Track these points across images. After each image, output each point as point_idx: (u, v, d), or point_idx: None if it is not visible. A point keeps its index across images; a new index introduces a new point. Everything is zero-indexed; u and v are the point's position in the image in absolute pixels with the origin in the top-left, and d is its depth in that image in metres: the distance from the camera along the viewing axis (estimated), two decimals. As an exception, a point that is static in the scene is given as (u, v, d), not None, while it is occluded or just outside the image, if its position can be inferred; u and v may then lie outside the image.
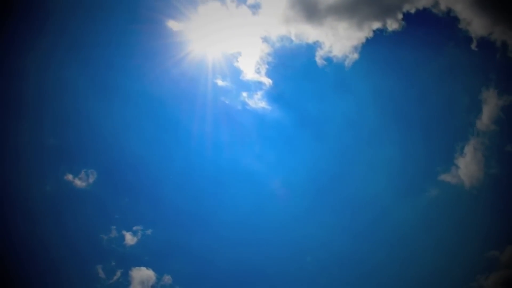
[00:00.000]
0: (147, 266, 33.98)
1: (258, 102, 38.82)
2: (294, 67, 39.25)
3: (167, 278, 33.68)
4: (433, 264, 32.55)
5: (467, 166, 35.59)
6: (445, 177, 35.84)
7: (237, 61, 39.00)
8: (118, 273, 33.94)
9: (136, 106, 39.12)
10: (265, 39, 38.95)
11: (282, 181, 37.86)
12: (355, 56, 37.87)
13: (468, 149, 36.03)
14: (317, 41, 38.39)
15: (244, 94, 39.05)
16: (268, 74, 38.99)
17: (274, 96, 38.91)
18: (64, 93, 38.43)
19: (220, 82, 38.87)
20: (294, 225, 36.11)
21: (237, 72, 39.07)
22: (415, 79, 38.95)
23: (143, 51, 38.51)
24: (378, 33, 37.30)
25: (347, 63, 38.11)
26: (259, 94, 38.87)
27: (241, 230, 36.04)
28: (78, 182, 36.43)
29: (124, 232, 35.22)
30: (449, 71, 38.39)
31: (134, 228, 35.38)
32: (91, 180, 36.73)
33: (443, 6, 36.28)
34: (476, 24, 35.82)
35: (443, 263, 32.10)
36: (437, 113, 38.32)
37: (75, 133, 38.27)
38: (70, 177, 36.35)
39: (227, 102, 39.02)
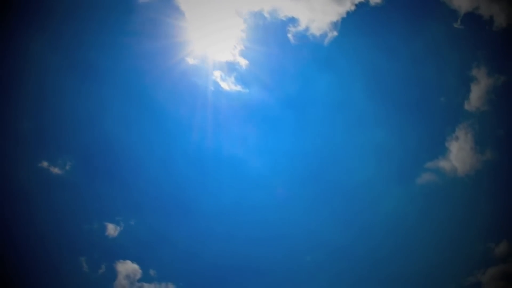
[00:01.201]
0: (132, 259, 32.61)
1: (232, 84, 36.27)
2: (268, 45, 36.29)
3: (153, 272, 32.48)
4: (426, 255, 31.85)
5: (459, 151, 34.26)
6: (436, 164, 34.50)
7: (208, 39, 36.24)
8: (103, 267, 32.62)
9: (113, 89, 36.31)
10: (238, 15, 35.84)
11: (265, 168, 36.11)
12: (335, 33, 35.40)
13: (460, 133, 34.65)
14: (293, 17, 35.69)
15: (217, 73, 36.31)
16: (243, 54, 36.15)
17: (250, 77, 36.17)
18: (38, 74, 35.36)
19: (191, 60, 36.06)
20: (280, 213, 34.68)
21: (208, 51, 36.32)
22: (399, 58, 36.55)
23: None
24: (359, 7, 34.77)
25: (327, 40, 35.66)
26: (234, 75, 36.27)
27: (226, 219, 34.58)
28: (55, 170, 34.30)
29: (105, 223, 33.57)
30: (435, 48, 36.17)
31: (116, 218, 33.70)
32: (68, 167, 34.67)
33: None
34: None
35: (437, 255, 31.44)
36: (424, 93, 36.34)
37: (51, 116, 35.61)
38: (45, 164, 34.21)
39: (198, 82, 36.28)
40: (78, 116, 35.88)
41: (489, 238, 30.55)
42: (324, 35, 35.50)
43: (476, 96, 34.40)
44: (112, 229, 33.41)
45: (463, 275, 29.80)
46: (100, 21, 35.25)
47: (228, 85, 36.13)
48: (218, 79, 36.08)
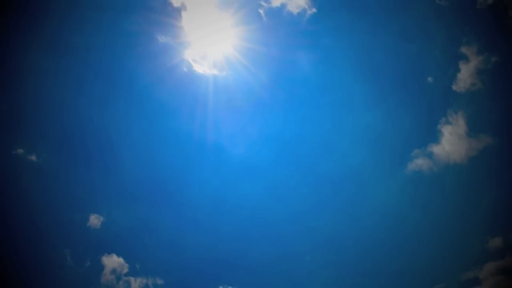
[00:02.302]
0: (117, 253, 31.28)
1: (207, 68, 34.08)
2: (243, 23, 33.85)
3: (139, 266, 31.32)
4: (417, 248, 30.85)
5: (452, 136, 32.64)
6: (428, 150, 32.89)
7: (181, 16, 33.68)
8: (88, 261, 31.34)
9: (91, 73, 33.81)
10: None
11: (250, 154, 34.41)
12: (313, 10, 33.37)
13: (452, 117, 32.91)
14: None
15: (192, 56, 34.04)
16: (217, 39, 34.15)
17: (225, 61, 34.03)
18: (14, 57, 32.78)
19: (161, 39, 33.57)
20: (266, 202, 33.44)
21: (179, 29, 33.88)
22: (383, 35, 34.21)
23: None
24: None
25: (305, 18, 33.55)
26: (209, 58, 34.14)
27: (210, 208, 33.17)
28: (32, 157, 32.35)
29: (87, 214, 31.98)
30: (421, 25, 34.09)
31: (99, 208, 32.10)
32: (46, 155, 32.72)
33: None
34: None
35: (430, 248, 30.58)
36: (411, 73, 34.30)
37: (28, 101, 33.17)
38: (21, 151, 32.22)
39: (172, 63, 33.89)
40: (56, 102, 33.57)
41: (485, 231, 29.69)
42: (302, 12, 33.41)
43: (466, 75, 32.60)
44: (95, 220, 31.96)
45: (459, 269, 29.32)
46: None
47: (203, 68, 34.03)
48: (192, 62, 34.04)
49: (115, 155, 33.90)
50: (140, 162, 33.95)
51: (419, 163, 32.55)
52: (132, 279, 30.92)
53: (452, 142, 32.56)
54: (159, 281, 30.82)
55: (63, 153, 33.62)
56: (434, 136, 32.95)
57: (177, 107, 34.20)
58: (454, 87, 32.91)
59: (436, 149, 32.68)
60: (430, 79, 33.83)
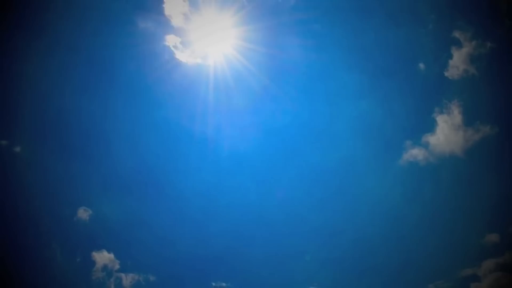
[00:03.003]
0: (107, 249, 30.55)
1: (190, 57, 32.82)
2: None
3: (130, 263, 30.66)
4: (410, 242, 29.90)
5: (447, 125, 31.48)
6: (422, 140, 31.71)
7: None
8: (78, 257, 30.57)
9: (65, 60, 32.54)
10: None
11: (243, 149, 33.41)
12: None
13: (447, 105, 31.59)
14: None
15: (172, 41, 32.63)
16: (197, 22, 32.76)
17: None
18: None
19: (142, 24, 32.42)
20: (258, 194, 32.49)
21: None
22: (373, 18, 32.96)
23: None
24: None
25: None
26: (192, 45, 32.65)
27: (203, 203, 32.21)
28: (16, 149, 31.38)
29: (75, 208, 31.10)
30: (413, 8, 32.77)
31: (86, 202, 31.19)
32: (30, 147, 31.65)
33: None
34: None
35: (424, 242, 29.67)
36: (403, 58, 32.92)
37: (9, 91, 31.92)
38: (4, 143, 31.25)
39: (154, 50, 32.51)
40: (41, 92, 32.44)
41: (484, 226, 28.56)
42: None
43: (459, 62, 31.19)
44: (83, 214, 31.11)
45: (458, 266, 28.58)
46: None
47: (186, 57, 32.88)
48: (174, 49, 32.78)
49: (103, 147, 33.11)
50: (130, 154, 33.05)
51: (414, 153, 31.55)
52: (123, 275, 30.38)
53: (447, 132, 31.49)
54: (151, 278, 30.24)
55: (48, 145, 32.79)
56: (429, 126, 31.82)
57: (172, 101, 33.18)
58: (446, 74, 31.59)
59: (431, 139, 31.67)
60: (421, 65, 32.64)
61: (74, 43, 32.70)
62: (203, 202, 32.03)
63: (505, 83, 30.79)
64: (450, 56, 31.55)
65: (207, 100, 32.52)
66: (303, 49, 32.45)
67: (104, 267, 30.34)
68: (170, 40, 32.53)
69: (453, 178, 31.11)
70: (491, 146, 30.50)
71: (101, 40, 32.47)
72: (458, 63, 31.37)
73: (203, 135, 32.89)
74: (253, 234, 31.38)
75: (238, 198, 32.30)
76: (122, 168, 32.67)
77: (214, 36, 32.14)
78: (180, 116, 32.93)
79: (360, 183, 31.85)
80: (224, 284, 29.80)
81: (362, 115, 32.93)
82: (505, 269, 26.41)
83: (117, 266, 30.41)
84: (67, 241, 30.99)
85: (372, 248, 29.79)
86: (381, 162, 32.28)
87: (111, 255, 30.44)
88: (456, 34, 31.53)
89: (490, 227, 28.47)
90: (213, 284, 29.91)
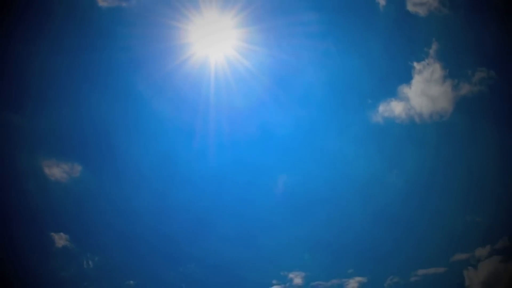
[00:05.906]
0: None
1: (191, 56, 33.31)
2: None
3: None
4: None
5: (425, 81, 26.49)
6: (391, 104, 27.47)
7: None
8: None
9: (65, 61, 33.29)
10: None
11: (238, 143, 32.95)
12: None
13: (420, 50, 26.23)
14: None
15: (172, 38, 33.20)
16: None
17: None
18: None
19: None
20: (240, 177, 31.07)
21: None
22: None
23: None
24: None
25: None
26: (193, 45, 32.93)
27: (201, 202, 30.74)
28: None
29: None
30: None
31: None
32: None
33: None
34: None
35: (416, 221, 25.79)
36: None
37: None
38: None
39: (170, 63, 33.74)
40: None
41: (469, 209, 24.94)
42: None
43: None
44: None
45: (451, 252, 25.43)
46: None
47: (186, 58, 33.35)
48: (175, 49, 33.22)
49: (104, 147, 32.33)
50: (130, 154, 32.27)
51: (390, 107, 27.25)
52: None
53: (425, 84, 26.19)
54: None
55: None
56: (403, 77, 26.93)
57: (172, 102, 33.54)
58: (409, 8, 26.12)
59: (409, 92, 27.08)
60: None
61: (74, 43, 33.68)
62: (206, 203, 30.80)
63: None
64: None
65: (208, 102, 33.08)
66: (305, 51, 32.96)
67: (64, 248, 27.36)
68: (171, 40, 33.44)
69: (438, 137, 26.77)
70: (481, 101, 25.60)
71: (101, 42, 33.38)
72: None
73: (203, 136, 32.89)
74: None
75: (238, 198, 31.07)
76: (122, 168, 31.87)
77: (215, 37, 32.99)
78: (181, 117, 33.20)
79: (329, 148, 28.58)
80: (193, 265, 26.55)
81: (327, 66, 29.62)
82: (499, 254, 24.00)
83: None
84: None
85: (348, 228, 26.39)
86: (352, 117, 29.09)
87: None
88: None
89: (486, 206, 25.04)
90: (181, 269, 26.62)
